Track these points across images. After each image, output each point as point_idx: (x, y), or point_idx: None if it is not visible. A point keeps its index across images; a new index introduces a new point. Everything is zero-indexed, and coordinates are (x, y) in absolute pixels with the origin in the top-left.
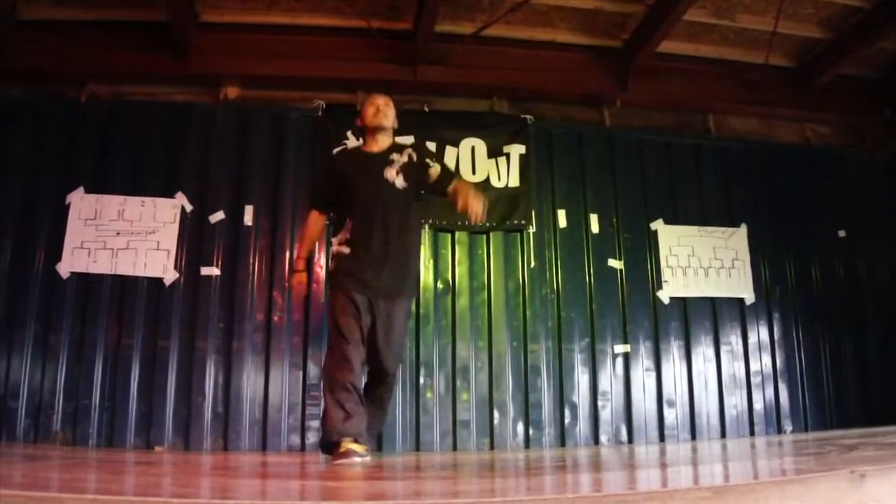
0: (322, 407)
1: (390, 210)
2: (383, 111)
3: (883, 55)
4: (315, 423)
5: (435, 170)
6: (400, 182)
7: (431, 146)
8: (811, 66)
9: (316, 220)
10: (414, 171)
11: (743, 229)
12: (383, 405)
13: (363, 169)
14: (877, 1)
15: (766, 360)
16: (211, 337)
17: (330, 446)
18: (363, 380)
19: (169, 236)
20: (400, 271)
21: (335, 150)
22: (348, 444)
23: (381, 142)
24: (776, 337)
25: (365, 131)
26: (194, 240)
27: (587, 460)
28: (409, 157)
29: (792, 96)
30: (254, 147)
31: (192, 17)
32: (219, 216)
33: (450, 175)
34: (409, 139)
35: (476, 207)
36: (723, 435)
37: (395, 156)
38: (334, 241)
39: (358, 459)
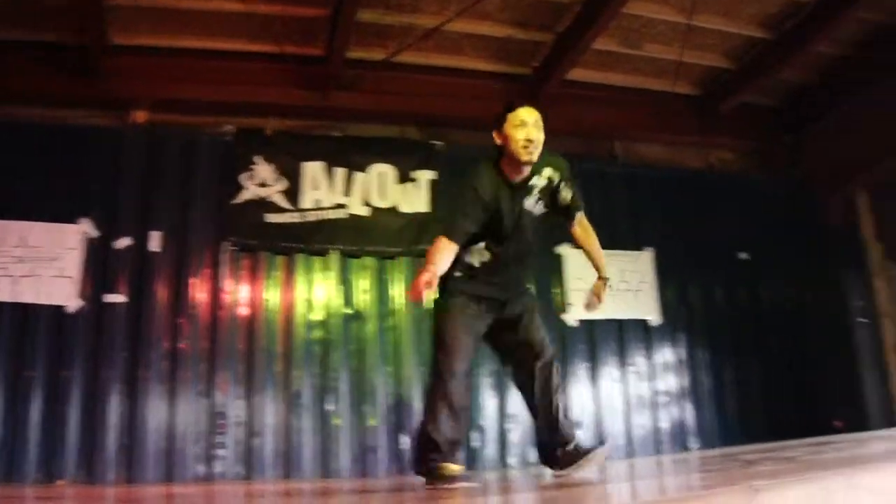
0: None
1: (523, 237)
2: (536, 143)
3: (784, 85)
4: (221, 452)
5: (566, 194)
6: (538, 209)
7: (342, 172)
8: (716, 94)
9: (450, 252)
10: (550, 194)
11: (649, 252)
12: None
13: (509, 202)
14: (777, 34)
15: (672, 379)
16: (115, 366)
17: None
18: None
19: (72, 263)
20: (520, 290)
21: (479, 179)
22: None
23: (525, 171)
24: (681, 357)
25: (506, 156)
26: (99, 266)
27: (498, 483)
28: (549, 179)
29: (697, 123)
30: (162, 172)
31: (102, 39)
32: (124, 242)
33: (577, 203)
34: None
35: (597, 302)
36: (630, 454)
37: (535, 180)
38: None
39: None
